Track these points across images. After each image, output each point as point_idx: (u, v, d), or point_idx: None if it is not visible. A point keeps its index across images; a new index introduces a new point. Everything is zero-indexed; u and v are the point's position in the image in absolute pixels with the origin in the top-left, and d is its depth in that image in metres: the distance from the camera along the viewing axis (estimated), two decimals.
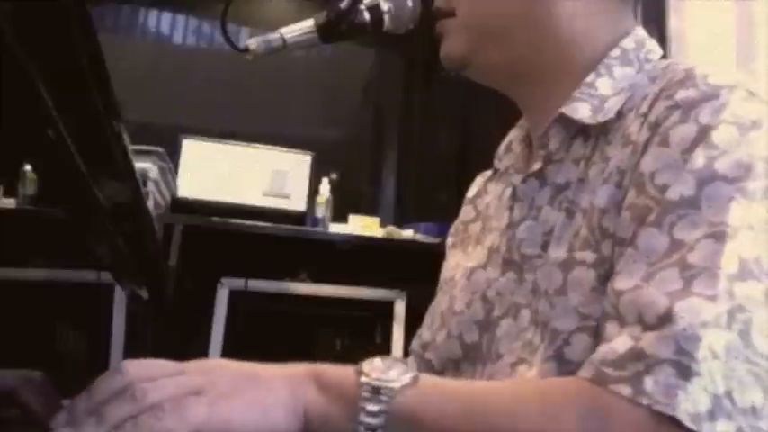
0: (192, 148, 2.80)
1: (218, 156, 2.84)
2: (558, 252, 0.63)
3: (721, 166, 0.54)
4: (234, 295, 2.62)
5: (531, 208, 0.69)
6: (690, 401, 0.46)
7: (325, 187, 2.96)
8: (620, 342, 0.51)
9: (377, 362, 0.55)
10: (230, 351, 2.53)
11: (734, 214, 0.52)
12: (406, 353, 0.82)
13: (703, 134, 0.55)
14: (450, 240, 0.85)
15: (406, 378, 0.53)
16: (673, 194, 0.54)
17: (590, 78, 0.68)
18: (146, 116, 3.00)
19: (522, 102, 0.75)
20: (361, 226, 2.99)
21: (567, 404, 0.50)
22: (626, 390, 0.48)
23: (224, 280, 2.61)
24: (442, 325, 0.75)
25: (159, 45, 3.60)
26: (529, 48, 0.70)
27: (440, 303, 0.78)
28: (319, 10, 0.72)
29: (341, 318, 2.92)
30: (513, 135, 0.80)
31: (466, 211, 0.85)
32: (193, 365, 0.55)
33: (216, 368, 0.55)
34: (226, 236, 2.63)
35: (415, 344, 0.80)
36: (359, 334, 2.99)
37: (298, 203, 2.86)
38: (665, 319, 0.49)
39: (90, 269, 2.40)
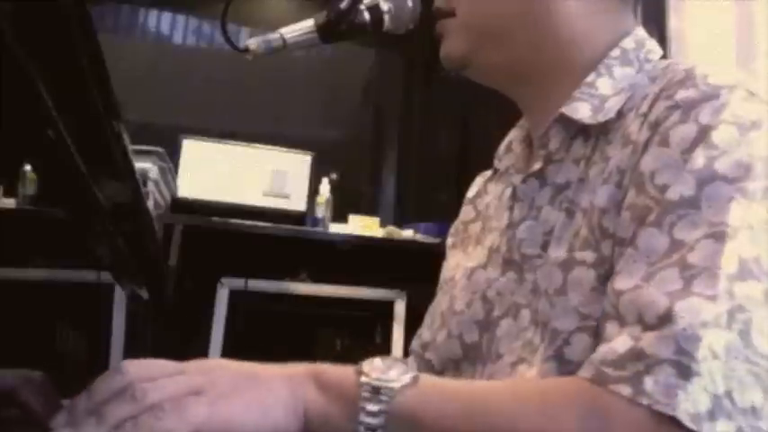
0: (192, 148, 2.80)
1: (218, 156, 2.84)
2: (558, 252, 0.63)
3: (721, 166, 0.54)
4: (234, 295, 2.62)
5: (531, 208, 0.69)
6: (690, 401, 0.46)
7: (325, 187, 2.96)
8: (620, 342, 0.51)
9: (377, 362, 0.55)
10: (230, 351, 2.53)
11: (734, 214, 0.52)
12: (406, 353, 0.82)
13: (703, 134, 0.55)
14: (450, 240, 0.85)
15: (406, 378, 0.53)
16: (673, 194, 0.54)
17: (590, 78, 0.68)
18: (146, 116, 3.01)
19: (523, 102, 0.75)
20: (361, 226, 2.99)
21: (566, 404, 0.50)
22: (626, 390, 0.48)
23: (224, 280, 2.61)
24: (442, 325, 0.75)
25: (159, 45, 3.60)
26: (529, 48, 0.70)
27: (440, 303, 0.78)
28: (319, 10, 0.72)
29: (341, 318, 2.92)
30: (514, 135, 0.80)
31: (466, 212, 0.85)
32: (193, 365, 0.55)
33: (216, 368, 0.55)
34: (226, 236, 2.63)
35: (415, 344, 0.80)
36: (359, 334, 2.99)
37: (298, 203, 2.86)
38: (665, 319, 0.49)
39: (90, 269, 2.40)
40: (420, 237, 2.96)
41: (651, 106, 0.60)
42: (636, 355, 0.49)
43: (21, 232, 2.38)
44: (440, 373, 0.73)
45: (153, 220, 1.10)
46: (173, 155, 2.57)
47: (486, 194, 0.83)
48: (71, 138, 0.51)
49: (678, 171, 0.55)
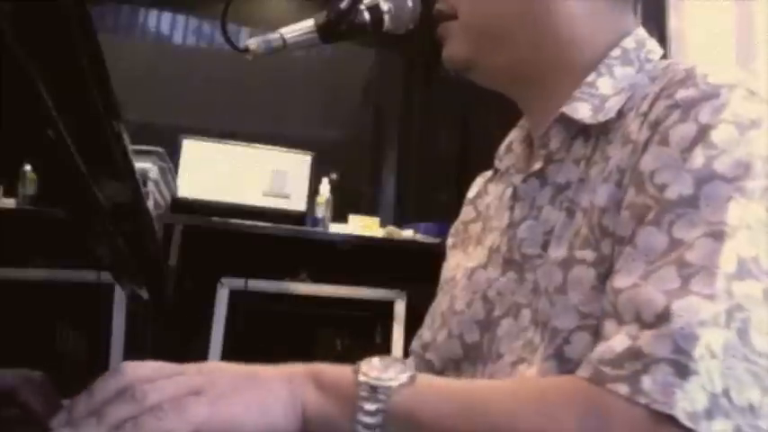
0: (191, 148, 2.81)
1: (218, 156, 2.84)
2: (558, 251, 0.63)
3: (720, 165, 0.54)
4: (234, 295, 2.62)
5: (531, 208, 0.69)
6: (687, 400, 0.46)
7: (325, 187, 2.96)
8: (617, 341, 0.51)
9: (375, 361, 0.55)
10: (230, 351, 2.54)
11: (732, 213, 0.52)
12: (406, 353, 0.82)
13: (703, 133, 0.55)
14: (450, 240, 0.86)
15: (404, 377, 0.53)
16: (672, 193, 0.54)
17: (591, 78, 0.68)
18: (146, 116, 3.01)
19: (523, 102, 0.76)
20: (361, 226, 2.99)
21: (565, 403, 0.50)
22: (624, 389, 0.48)
23: (224, 280, 2.61)
24: (442, 325, 0.75)
25: (159, 45, 3.61)
26: (530, 48, 0.70)
27: (440, 303, 0.78)
28: (319, 10, 0.72)
29: (341, 318, 2.92)
30: (514, 135, 0.80)
31: (466, 212, 0.85)
32: (193, 367, 0.55)
33: (215, 369, 0.55)
34: (226, 236, 2.63)
35: (415, 344, 0.80)
36: (359, 334, 2.99)
37: (298, 203, 2.87)
38: (663, 317, 0.49)
39: (90, 269, 2.40)
40: (420, 237, 2.96)
41: (651, 106, 0.60)
42: (633, 353, 0.49)
43: (21, 232, 2.38)
44: (440, 373, 0.73)
45: (153, 220, 1.10)
46: (173, 155, 2.57)
47: (486, 195, 0.83)
48: (71, 138, 0.51)
49: (677, 170, 0.55)
